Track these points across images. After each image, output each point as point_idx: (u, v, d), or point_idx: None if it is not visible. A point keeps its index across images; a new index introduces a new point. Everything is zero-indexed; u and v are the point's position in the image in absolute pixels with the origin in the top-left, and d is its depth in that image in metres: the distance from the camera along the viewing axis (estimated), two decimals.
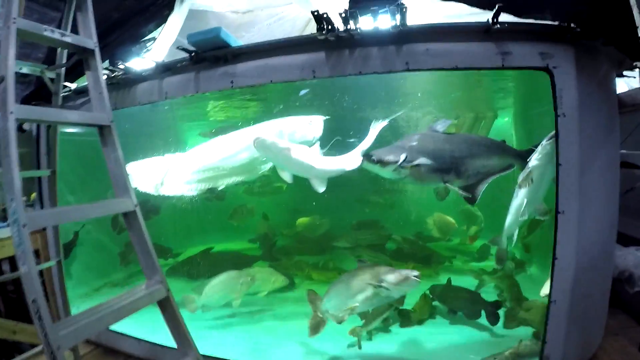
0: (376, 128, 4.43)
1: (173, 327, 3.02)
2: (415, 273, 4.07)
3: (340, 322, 4.26)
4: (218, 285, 5.85)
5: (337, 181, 4.76)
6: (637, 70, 4.10)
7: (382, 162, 4.23)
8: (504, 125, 8.60)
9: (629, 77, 4.22)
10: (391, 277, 4.08)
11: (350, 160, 4.52)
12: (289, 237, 9.15)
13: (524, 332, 4.57)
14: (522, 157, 4.60)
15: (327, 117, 5.23)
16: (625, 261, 5.05)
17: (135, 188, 5.40)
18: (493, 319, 5.02)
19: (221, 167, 5.29)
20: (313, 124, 5.16)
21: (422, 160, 4.20)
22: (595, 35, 3.32)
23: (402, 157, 4.17)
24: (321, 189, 4.51)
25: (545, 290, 4.23)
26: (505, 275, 5.79)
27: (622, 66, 3.96)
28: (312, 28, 5.15)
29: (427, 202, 8.60)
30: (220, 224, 9.43)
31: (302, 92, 6.47)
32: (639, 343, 4.28)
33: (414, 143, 4.38)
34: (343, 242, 8.18)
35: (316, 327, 4.56)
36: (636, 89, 4.50)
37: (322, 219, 8.79)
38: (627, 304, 4.90)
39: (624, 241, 5.26)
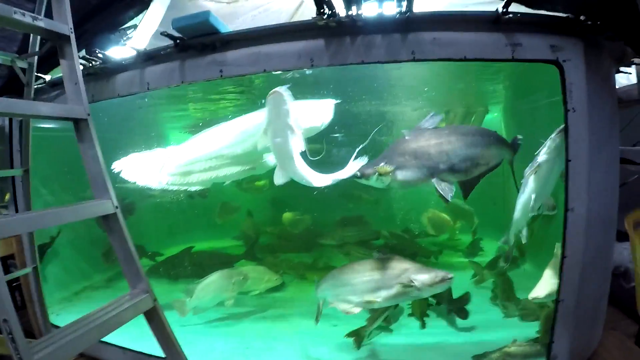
0: (356, 163, 4.15)
1: (161, 338, 2.85)
2: (450, 275, 3.89)
3: (349, 313, 4.10)
4: (210, 286, 5.69)
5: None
6: (633, 66, 4.12)
7: (363, 175, 4.05)
8: (493, 121, 8.52)
9: (626, 72, 4.20)
10: (425, 277, 3.88)
11: (320, 180, 4.22)
12: (273, 234, 8.99)
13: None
14: (512, 148, 4.47)
15: (338, 100, 4.98)
16: (621, 256, 4.96)
17: (135, 182, 5.27)
18: (462, 315, 5.08)
19: (223, 155, 5.02)
20: (323, 109, 4.90)
21: (394, 166, 4.00)
22: (603, 29, 3.23)
23: (373, 168, 3.99)
24: (280, 181, 4.25)
25: (536, 292, 4.27)
26: (498, 272, 5.79)
27: (620, 62, 3.90)
28: (298, 20, 4.89)
29: (412, 197, 8.66)
30: (204, 222, 9.26)
31: (285, 87, 6.25)
32: (636, 336, 4.32)
33: (398, 147, 4.15)
34: (329, 240, 7.98)
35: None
36: (632, 85, 4.56)
37: (304, 214, 8.65)
38: (622, 298, 4.86)
39: (618, 236, 5.26)
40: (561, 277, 3.54)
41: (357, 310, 4.07)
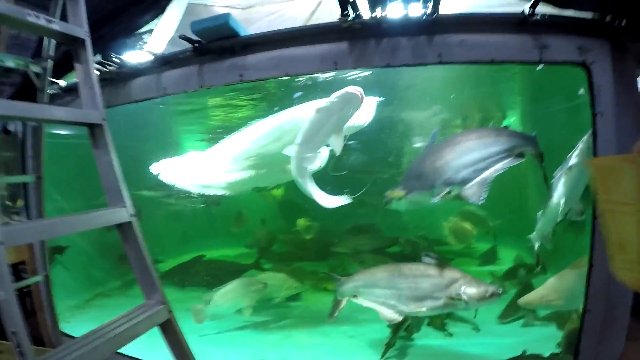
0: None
1: (176, 351, 2.71)
2: (500, 290, 3.75)
3: (390, 321, 3.97)
4: (229, 293, 5.64)
5: (333, 183, 4.70)
6: None
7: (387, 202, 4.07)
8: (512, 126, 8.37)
9: None
10: (475, 291, 3.72)
11: (327, 200, 4.40)
12: (286, 242, 8.89)
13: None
14: (532, 141, 4.23)
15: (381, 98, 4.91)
16: None
17: (174, 184, 5.29)
18: None
19: (261, 153, 4.93)
20: (366, 107, 4.81)
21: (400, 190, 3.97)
22: (628, 30, 3.12)
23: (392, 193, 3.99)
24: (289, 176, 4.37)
25: (528, 298, 4.36)
26: (519, 282, 5.72)
27: None
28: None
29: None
30: (217, 230, 9.20)
31: (296, 95, 6.29)
32: None
33: (411, 169, 4.19)
34: (342, 248, 7.87)
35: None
36: None
37: (313, 221, 8.54)
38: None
39: None
40: (588, 287, 3.42)
41: (399, 318, 3.92)
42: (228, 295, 5.59)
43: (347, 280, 4.36)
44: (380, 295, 4.06)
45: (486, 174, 3.84)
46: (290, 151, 4.30)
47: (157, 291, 2.67)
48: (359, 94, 4.01)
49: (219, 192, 5.51)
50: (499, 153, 3.94)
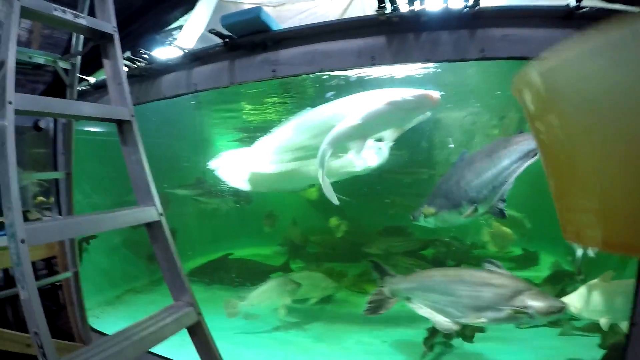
0: None
1: (204, 354, 2.61)
2: (565, 304, 3.52)
3: (446, 330, 3.76)
4: (265, 293, 5.60)
5: (364, 183, 4.42)
6: None
7: (413, 218, 4.20)
8: None
9: None
10: (542, 305, 3.46)
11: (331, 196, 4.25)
12: (316, 243, 8.81)
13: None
14: None
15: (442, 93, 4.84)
16: None
17: (227, 182, 5.27)
18: None
19: (309, 146, 4.84)
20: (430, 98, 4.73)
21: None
22: None
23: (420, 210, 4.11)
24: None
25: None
26: (561, 290, 5.46)
27: None
28: None
29: None
30: (249, 229, 9.19)
31: (328, 94, 6.17)
32: None
33: (440, 186, 4.18)
34: (374, 249, 7.73)
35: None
36: None
37: (346, 221, 8.43)
38: None
39: None
40: (636, 297, 3.15)
41: (455, 327, 3.72)
42: (264, 295, 5.55)
43: (401, 280, 4.15)
44: (437, 301, 3.84)
45: (506, 186, 3.80)
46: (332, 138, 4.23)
47: (186, 292, 2.59)
48: (436, 100, 3.89)
49: (271, 189, 5.45)
50: (515, 162, 3.84)
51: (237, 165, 5.25)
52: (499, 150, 3.95)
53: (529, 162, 3.82)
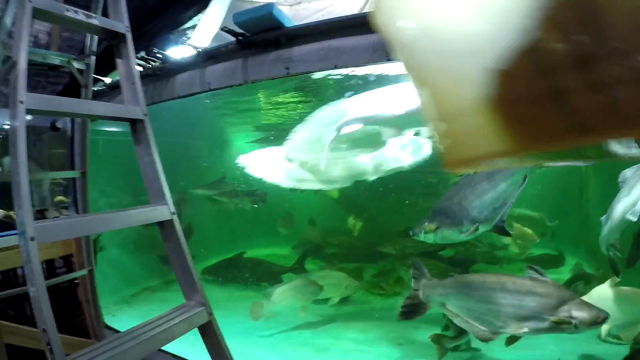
0: None
1: (215, 354, 2.59)
2: (608, 313, 3.35)
3: (484, 340, 3.54)
4: (288, 292, 5.59)
5: (384, 185, 4.44)
6: None
7: (413, 233, 4.24)
8: None
9: None
10: (587, 315, 3.28)
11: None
12: (333, 244, 8.77)
13: None
14: None
15: None
16: None
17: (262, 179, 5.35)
18: None
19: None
20: None
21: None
22: None
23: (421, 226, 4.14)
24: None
25: None
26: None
27: None
28: None
29: None
30: (266, 229, 9.21)
31: (348, 94, 6.07)
32: None
33: (442, 202, 4.27)
34: (389, 249, 7.66)
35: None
36: None
37: (364, 221, 8.39)
38: None
39: None
40: None
41: (494, 337, 3.51)
42: (286, 294, 5.53)
43: (437, 284, 3.97)
44: (476, 309, 3.64)
45: (505, 209, 3.89)
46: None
47: (198, 292, 2.58)
48: None
49: (314, 186, 5.46)
50: (511, 185, 3.93)
51: (271, 162, 5.27)
52: (497, 173, 3.98)
53: (522, 187, 3.91)
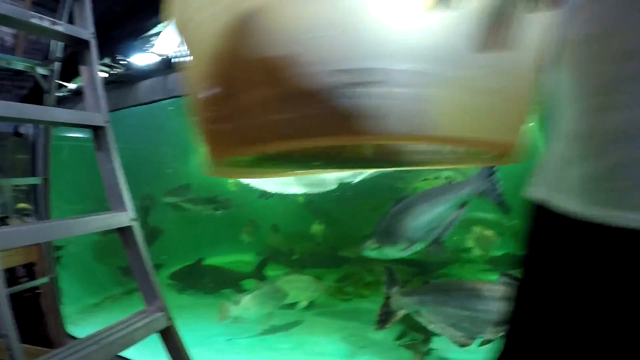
0: None
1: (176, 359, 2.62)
2: None
3: (462, 345, 3.49)
4: (258, 297, 5.54)
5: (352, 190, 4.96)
6: None
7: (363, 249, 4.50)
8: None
9: None
10: None
11: None
12: (296, 250, 8.78)
13: None
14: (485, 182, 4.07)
15: None
16: None
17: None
18: None
19: None
20: None
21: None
22: None
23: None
24: None
25: None
26: None
27: None
28: None
29: None
30: (229, 236, 9.17)
31: None
32: None
33: (381, 223, 4.48)
34: (350, 252, 7.70)
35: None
36: None
37: (329, 226, 8.43)
38: None
39: None
40: None
41: (470, 342, 3.47)
42: (255, 300, 5.51)
43: (411, 292, 3.89)
44: (452, 315, 3.60)
45: (440, 230, 4.14)
46: None
47: (158, 298, 2.60)
48: None
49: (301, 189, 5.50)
50: (448, 209, 4.15)
51: None
52: (435, 197, 4.23)
53: (462, 212, 4.12)
